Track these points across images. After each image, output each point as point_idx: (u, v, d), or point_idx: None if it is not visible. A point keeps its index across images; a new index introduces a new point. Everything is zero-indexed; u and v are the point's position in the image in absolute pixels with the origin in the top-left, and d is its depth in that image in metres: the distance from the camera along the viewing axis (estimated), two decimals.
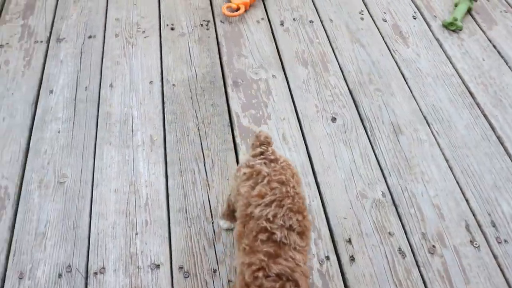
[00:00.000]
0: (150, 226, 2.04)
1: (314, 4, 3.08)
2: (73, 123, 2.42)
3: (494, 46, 2.86)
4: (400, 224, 2.07)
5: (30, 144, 2.34)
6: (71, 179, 2.20)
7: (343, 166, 2.25)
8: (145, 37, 2.86)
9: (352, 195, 2.15)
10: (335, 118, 2.43)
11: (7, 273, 1.93)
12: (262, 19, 2.96)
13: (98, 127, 2.39)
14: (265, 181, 1.59)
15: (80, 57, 2.76)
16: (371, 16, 3.02)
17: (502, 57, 2.80)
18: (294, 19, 2.96)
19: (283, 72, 2.63)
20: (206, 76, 2.60)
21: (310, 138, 2.35)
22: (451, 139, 2.38)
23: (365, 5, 3.10)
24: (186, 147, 2.29)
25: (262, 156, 1.69)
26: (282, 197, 1.54)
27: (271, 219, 1.49)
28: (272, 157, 1.68)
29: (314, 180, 2.20)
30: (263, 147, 1.71)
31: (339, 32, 2.90)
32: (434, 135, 2.40)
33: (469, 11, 3.02)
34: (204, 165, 2.23)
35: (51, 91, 2.58)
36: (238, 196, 1.66)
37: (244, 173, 1.66)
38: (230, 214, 1.93)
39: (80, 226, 2.05)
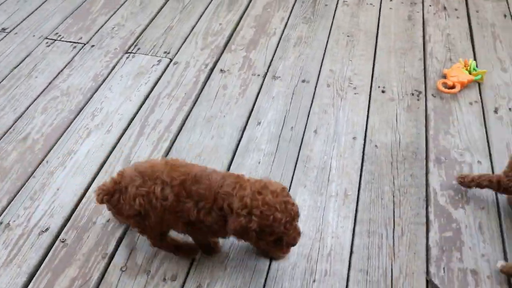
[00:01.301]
0: (329, 277, 2.04)
1: None
2: (274, 158, 2.54)
3: None
4: None
5: (231, 167, 2.51)
6: None
7: None
8: (355, 94, 2.93)
9: None
10: None
11: (187, 280, 2.05)
12: (476, 102, 2.87)
13: (296, 167, 2.49)
14: None
15: (291, 98, 2.91)
16: None
17: None
18: (510, 109, 2.83)
19: (489, 161, 2.51)
20: (410, 145, 2.59)
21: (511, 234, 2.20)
22: None
23: None
24: (378, 210, 2.28)
25: None
26: None
27: None
28: None
29: None
30: None
31: None
32: None
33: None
34: (393, 232, 2.19)
35: (259, 123, 2.75)
36: None
37: None
38: None
39: (261, 259, 2.11)
